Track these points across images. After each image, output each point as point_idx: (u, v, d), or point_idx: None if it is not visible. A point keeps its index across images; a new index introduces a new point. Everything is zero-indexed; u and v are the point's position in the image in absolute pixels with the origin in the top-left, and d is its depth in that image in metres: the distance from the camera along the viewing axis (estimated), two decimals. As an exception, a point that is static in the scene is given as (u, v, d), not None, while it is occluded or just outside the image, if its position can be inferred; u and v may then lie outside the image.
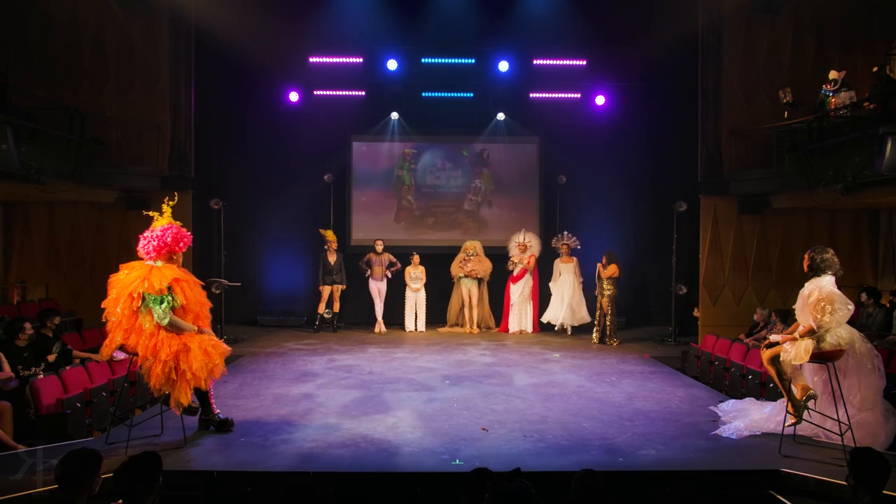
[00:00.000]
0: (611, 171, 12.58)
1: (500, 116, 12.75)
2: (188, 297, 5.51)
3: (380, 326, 11.81)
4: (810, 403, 5.53)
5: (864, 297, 8.54)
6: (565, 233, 11.77)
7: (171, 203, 5.85)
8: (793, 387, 5.59)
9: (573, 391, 7.55)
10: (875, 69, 8.25)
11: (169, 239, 5.54)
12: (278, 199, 12.65)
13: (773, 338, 5.72)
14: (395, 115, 12.77)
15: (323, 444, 5.60)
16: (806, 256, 5.59)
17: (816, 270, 5.47)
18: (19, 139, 7.67)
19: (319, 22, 11.81)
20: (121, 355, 6.83)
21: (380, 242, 11.93)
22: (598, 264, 10.88)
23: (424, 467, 5.13)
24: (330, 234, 11.83)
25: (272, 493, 2.46)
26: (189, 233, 5.77)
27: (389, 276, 11.95)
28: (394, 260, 11.96)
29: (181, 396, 5.43)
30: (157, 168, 10.86)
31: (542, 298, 11.98)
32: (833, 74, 9.09)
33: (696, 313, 11.29)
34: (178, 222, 5.77)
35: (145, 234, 5.61)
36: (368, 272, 11.82)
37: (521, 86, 12.57)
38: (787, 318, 7.80)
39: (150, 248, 5.52)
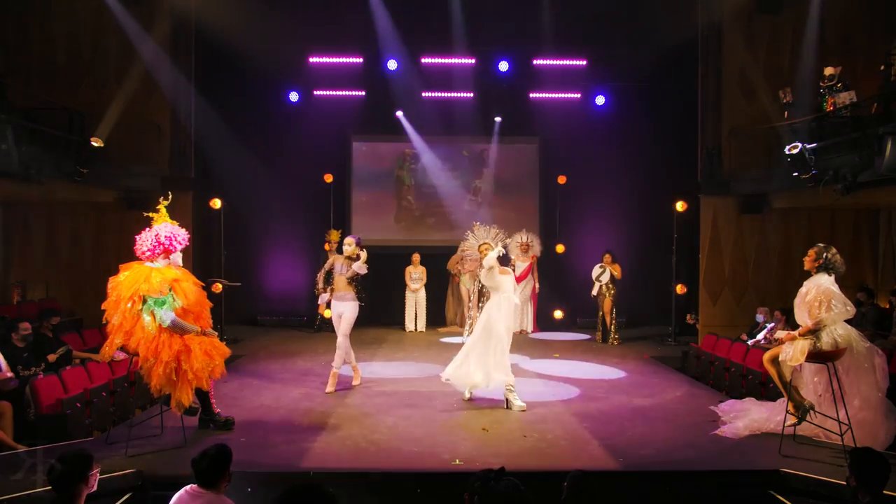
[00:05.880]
0: (610, 171, 12.56)
1: (497, 119, 12.73)
2: (188, 298, 5.50)
3: (332, 381, 7.35)
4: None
5: (861, 296, 8.53)
6: None
7: (164, 202, 5.82)
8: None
9: (573, 391, 7.55)
10: (882, 68, 8.20)
11: (164, 238, 5.52)
12: (278, 199, 12.63)
13: (779, 334, 5.71)
14: (398, 114, 12.74)
15: (323, 444, 5.60)
16: (811, 253, 5.57)
17: (823, 268, 5.47)
18: (19, 139, 7.66)
19: (319, 22, 11.80)
20: (121, 355, 6.82)
21: (351, 241, 7.50)
22: (607, 263, 10.79)
23: (424, 467, 5.14)
24: (334, 235, 11.81)
25: (278, 492, 2.45)
26: (185, 231, 5.76)
27: (353, 275, 7.21)
28: (361, 255, 7.30)
29: (182, 397, 5.43)
30: (157, 168, 10.84)
31: (541, 298, 11.98)
32: (829, 70, 9.05)
33: (689, 320, 11.27)
34: (174, 221, 5.75)
35: (141, 235, 5.60)
36: (327, 291, 7.70)
37: (521, 86, 12.56)
38: (791, 317, 7.80)
39: (146, 248, 5.51)
